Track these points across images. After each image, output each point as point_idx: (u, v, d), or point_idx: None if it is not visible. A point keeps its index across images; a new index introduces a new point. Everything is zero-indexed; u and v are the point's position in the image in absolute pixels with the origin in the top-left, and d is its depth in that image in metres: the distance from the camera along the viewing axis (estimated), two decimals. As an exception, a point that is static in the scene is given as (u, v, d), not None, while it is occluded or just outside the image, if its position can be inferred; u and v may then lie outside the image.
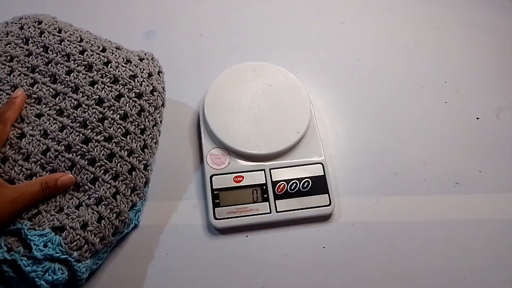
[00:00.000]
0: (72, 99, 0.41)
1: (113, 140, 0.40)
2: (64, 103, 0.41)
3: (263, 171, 0.45)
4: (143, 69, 0.43)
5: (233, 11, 0.62)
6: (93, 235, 0.36)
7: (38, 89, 0.42)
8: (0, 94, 0.41)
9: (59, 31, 0.45)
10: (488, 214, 0.46)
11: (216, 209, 0.43)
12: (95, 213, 0.37)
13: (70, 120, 0.40)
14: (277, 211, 0.44)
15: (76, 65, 0.43)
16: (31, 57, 0.43)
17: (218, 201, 0.44)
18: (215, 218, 0.43)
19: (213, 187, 0.44)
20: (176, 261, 0.42)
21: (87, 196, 0.38)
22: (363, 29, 0.61)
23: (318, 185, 0.45)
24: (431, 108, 0.54)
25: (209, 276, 0.42)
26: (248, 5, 0.63)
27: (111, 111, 0.41)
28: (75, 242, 0.35)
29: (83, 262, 0.36)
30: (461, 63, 0.58)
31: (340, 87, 0.55)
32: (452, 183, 0.48)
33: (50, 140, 0.39)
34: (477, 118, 0.53)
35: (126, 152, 0.40)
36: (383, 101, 0.54)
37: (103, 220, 0.37)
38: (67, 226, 0.35)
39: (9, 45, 0.44)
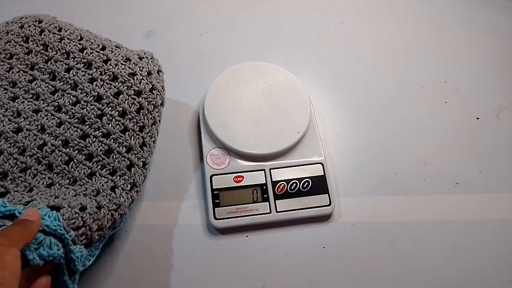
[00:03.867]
0: (71, 96, 0.41)
1: (111, 136, 0.40)
2: (63, 100, 0.41)
3: (263, 171, 0.45)
4: (143, 68, 0.43)
5: (233, 11, 0.62)
6: (91, 219, 0.35)
7: (36, 86, 0.42)
8: None
9: (59, 30, 0.45)
10: (488, 214, 0.46)
11: (216, 209, 0.43)
12: (94, 201, 0.36)
13: (68, 116, 0.40)
14: (277, 211, 0.44)
15: (76, 62, 0.43)
16: (30, 55, 0.43)
17: (218, 201, 0.43)
18: (215, 218, 0.43)
19: (213, 187, 0.44)
20: (176, 261, 0.42)
21: (84, 188, 0.37)
22: (363, 29, 0.61)
23: (318, 185, 0.45)
24: (431, 108, 0.54)
25: (209, 276, 0.42)
26: (248, 5, 0.63)
27: (110, 108, 0.41)
28: (73, 220, 0.33)
29: (78, 245, 0.33)
30: (461, 63, 0.58)
31: (340, 87, 0.55)
32: (452, 183, 0.48)
33: (47, 135, 0.39)
34: (477, 118, 0.53)
35: (124, 148, 0.40)
36: (383, 101, 0.54)
37: (102, 209, 0.36)
38: (65, 205, 0.34)
39: (9, 43, 0.44)
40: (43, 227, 0.31)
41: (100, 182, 0.38)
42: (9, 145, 0.38)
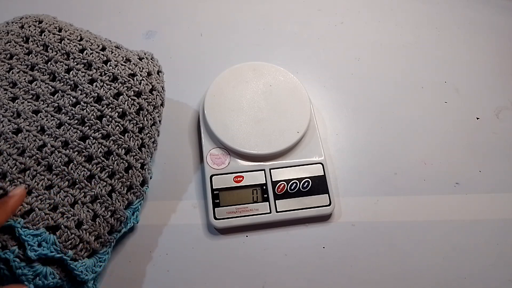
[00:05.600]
0: (71, 97, 0.41)
1: (110, 138, 0.40)
2: (63, 101, 0.41)
3: (263, 171, 0.45)
4: (143, 68, 0.43)
5: (233, 11, 0.62)
6: (87, 233, 0.36)
7: (36, 86, 0.42)
8: None
9: (59, 30, 0.45)
10: (488, 214, 0.46)
11: (216, 209, 0.43)
12: (90, 211, 0.37)
13: (68, 117, 0.40)
14: (277, 211, 0.44)
15: (76, 63, 0.43)
16: (30, 55, 0.43)
17: (218, 201, 0.44)
18: (215, 218, 0.43)
19: (213, 187, 0.44)
20: (176, 261, 0.42)
21: (83, 193, 0.38)
22: (363, 29, 0.61)
23: (318, 185, 0.45)
24: (431, 108, 0.54)
25: (209, 276, 0.42)
26: (248, 5, 0.63)
27: (110, 109, 0.40)
28: (69, 241, 0.35)
29: (80, 261, 0.35)
30: (461, 63, 0.58)
31: (340, 87, 0.55)
32: (452, 183, 0.48)
33: (47, 136, 0.39)
34: (477, 118, 0.53)
35: (123, 150, 0.40)
36: (383, 101, 0.54)
37: (98, 218, 0.37)
38: (62, 226, 0.35)
39: (9, 44, 0.44)
40: (42, 256, 0.33)
41: (99, 187, 0.38)
42: (9, 146, 0.38)
